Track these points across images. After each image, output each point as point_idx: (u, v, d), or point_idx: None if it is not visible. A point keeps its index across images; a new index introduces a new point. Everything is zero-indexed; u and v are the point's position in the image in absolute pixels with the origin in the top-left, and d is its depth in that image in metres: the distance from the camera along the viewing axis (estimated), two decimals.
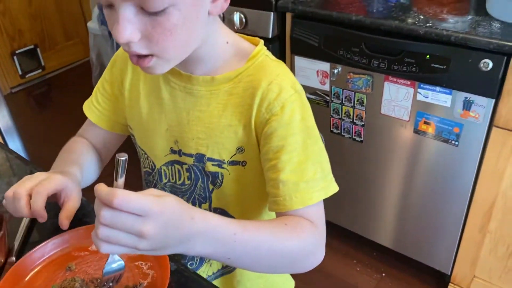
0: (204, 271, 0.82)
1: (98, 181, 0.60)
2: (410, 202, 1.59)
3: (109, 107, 0.84)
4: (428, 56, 1.31)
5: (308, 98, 1.59)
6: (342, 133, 1.63)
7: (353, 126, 1.59)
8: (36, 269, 0.62)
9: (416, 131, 1.45)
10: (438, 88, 1.34)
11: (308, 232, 0.64)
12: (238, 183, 0.75)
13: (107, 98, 0.84)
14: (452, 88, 1.31)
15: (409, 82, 1.39)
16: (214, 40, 0.69)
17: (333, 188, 0.68)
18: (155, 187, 0.82)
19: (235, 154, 0.72)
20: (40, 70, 3.46)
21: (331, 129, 1.64)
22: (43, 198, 0.65)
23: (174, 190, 0.80)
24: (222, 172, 0.74)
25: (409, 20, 1.31)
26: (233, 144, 0.71)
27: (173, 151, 0.77)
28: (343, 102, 1.56)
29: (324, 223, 0.67)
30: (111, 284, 0.56)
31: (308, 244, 0.63)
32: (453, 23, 1.28)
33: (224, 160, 0.73)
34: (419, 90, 1.38)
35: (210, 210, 0.77)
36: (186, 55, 0.65)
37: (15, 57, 3.30)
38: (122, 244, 0.48)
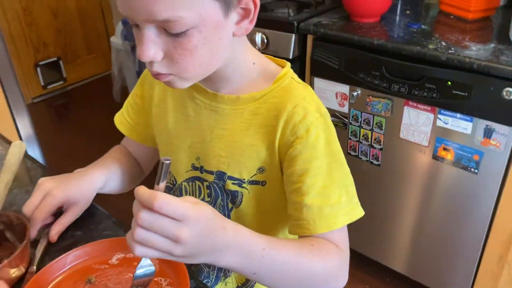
0: None
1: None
2: (426, 229, 1.57)
3: (140, 120, 0.86)
4: (449, 83, 1.30)
5: None
6: (360, 156, 1.62)
7: (371, 149, 1.58)
8: (57, 280, 0.63)
9: (435, 157, 1.44)
10: (458, 115, 1.33)
11: (333, 255, 0.64)
12: (257, 203, 0.75)
13: (138, 112, 0.86)
14: (473, 115, 1.30)
15: (429, 108, 1.38)
16: (240, 60, 0.70)
17: (358, 212, 0.68)
18: None
19: (255, 174, 0.72)
20: (61, 82, 3.53)
21: (349, 151, 1.63)
22: (37, 227, 0.70)
23: None
24: (242, 191, 0.74)
25: (431, 46, 1.32)
26: (254, 164, 0.72)
27: (194, 168, 0.77)
28: (362, 124, 1.56)
29: (348, 247, 0.67)
30: None
31: (333, 267, 0.63)
32: (476, 51, 1.28)
33: (244, 179, 0.73)
34: (439, 116, 1.37)
35: None
36: (207, 74, 0.66)
37: (38, 68, 3.37)
38: (157, 248, 0.48)
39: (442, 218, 1.51)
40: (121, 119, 0.88)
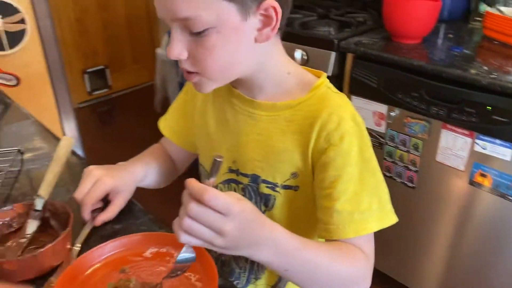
0: None
1: None
2: (460, 256, 1.53)
3: (182, 125, 0.91)
4: (489, 108, 1.29)
5: None
6: (394, 177, 1.61)
7: (406, 171, 1.57)
8: (93, 267, 0.67)
9: (472, 182, 1.41)
10: (498, 141, 1.31)
11: (360, 260, 0.65)
12: (289, 207, 0.77)
13: (181, 117, 0.91)
14: None
15: (467, 132, 1.37)
16: (272, 68, 0.73)
17: (391, 219, 0.69)
18: None
19: (288, 178, 0.74)
20: (106, 89, 3.67)
21: (383, 172, 1.63)
22: (87, 211, 0.76)
23: None
24: (275, 195, 0.76)
25: (472, 70, 1.31)
26: (288, 169, 0.74)
27: (231, 170, 0.80)
28: (398, 145, 1.56)
29: (373, 254, 0.68)
30: (178, 272, 0.60)
31: (359, 272, 0.65)
32: None
33: (277, 183, 0.75)
34: (477, 140, 1.35)
35: None
36: (231, 76, 0.71)
37: (85, 75, 3.53)
38: (201, 238, 0.53)
39: (477, 247, 1.48)
40: (165, 124, 0.93)
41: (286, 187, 0.75)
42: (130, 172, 0.83)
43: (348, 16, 1.79)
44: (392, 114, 1.52)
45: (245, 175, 0.78)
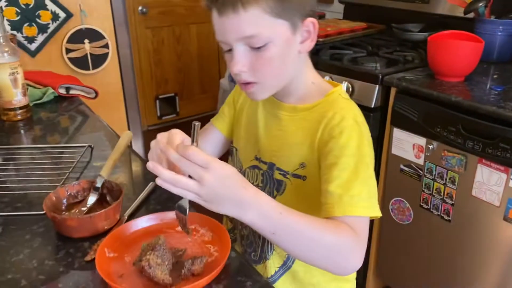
0: (261, 270, 0.95)
1: None
2: None
3: (229, 120, 1.07)
4: None
5: (402, 170, 1.68)
6: (431, 209, 1.65)
7: (443, 204, 1.61)
8: (135, 233, 0.81)
9: (506, 218, 1.43)
10: None
11: (346, 233, 0.72)
12: (297, 195, 0.88)
13: (227, 106, 1.07)
14: None
15: (502, 168, 1.40)
16: (302, 78, 0.89)
17: (377, 212, 0.77)
18: None
19: (298, 168, 0.87)
20: (174, 115, 3.97)
21: (421, 203, 1.67)
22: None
23: None
24: (286, 181, 0.89)
25: (508, 107, 1.36)
26: (297, 159, 0.87)
27: (256, 158, 0.96)
28: (435, 178, 1.60)
29: (366, 236, 0.75)
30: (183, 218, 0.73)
31: (344, 243, 0.71)
32: None
33: (288, 171, 0.89)
34: None
35: None
36: (280, 84, 0.85)
37: (157, 101, 3.84)
38: (183, 187, 0.65)
39: (510, 284, 1.47)
40: (217, 118, 1.09)
41: (295, 175, 0.88)
42: None
43: (396, 54, 1.90)
44: (430, 147, 1.58)
45: (265, 163, 0.93)
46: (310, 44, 0.83)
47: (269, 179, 0.93)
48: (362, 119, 0.85)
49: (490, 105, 1.38)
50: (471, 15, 1.82)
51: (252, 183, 0.89)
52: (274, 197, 0.89)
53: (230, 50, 0.81)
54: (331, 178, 0.78)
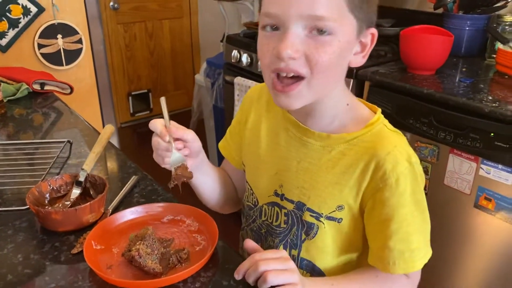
0: None
1: None
2: (468, 279, 1.59)
3: (236, 143, 0.94)
4: (492, 134, 1.38)
5: None
6: None
7: None
8: (121, 225, 0.82)
9: (477, 205, 1.49)
10: (500, 166, 1.39)
11: (399, 284, 0.73)
12: (330, 238, 0.78)
13: (235, 135, 0.94)
14: None
15: (472, 157, 1.45)
16: (337, 98, 0.76)
17: (430, 253, 0.76)
18: (253, 222, 0.89)
19: (334, 210, 0.76)
20: (148, 112, 3.93)
21: None
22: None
23: (270, 229, 0.85)
24: (318, 224, 0.78)
25: (477, 99, 1.41)
26: (335, 201, 0.76)
27: (276, 194, 0.82)
28: None
29: (418, 277, 0.77)
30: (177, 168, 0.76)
31: None
32: None
33: (322, 213, 0.77)
34: (481, 165, 1.44)
35: (298, 259, 0.82)
36: (324, 92, 0.72)
37: (130, 98, 3.80)
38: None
39: (485, 269, 1.53)
40: (222, 144, 0.97)
41: (330, 218, 0.77)
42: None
43: None
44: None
45: (291, 201, 0.80)
46: (361, 60, 0.72)
47: (297, 221, 0.80)
48: (415, 157, 0.74)
49: (460, 96, 1.44)
50: (440, 10, 1.88)
51: (271, 222, 0.85)
52: (302, 241, 0.81)
53: (276, 28, 0.67)
54: (389, 232, 0.72)
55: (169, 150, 0.75)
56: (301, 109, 0.74)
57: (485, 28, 1.81)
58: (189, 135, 0.78)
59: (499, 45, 1.70)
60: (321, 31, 0.65)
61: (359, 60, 0.72)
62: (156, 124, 0.76)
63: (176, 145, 0.75)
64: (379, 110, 0.78)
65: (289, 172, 0.80)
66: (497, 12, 1.80)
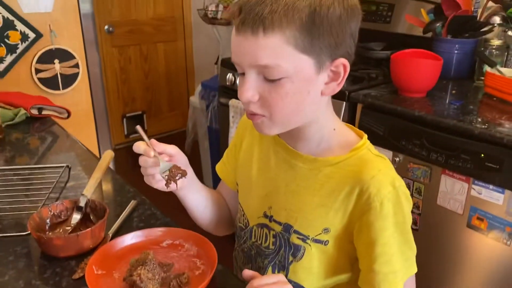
0: None
1: None
2: None
3: (231, 166, 0.96)
4: (482, 155, 1.41)
5: None
6: None
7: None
8: (121, 250, 0.83)
9: (470, 225, 1.51)
10: (491, 186, 1.42)
11: None
12: (317, 260, 0.80)
13: (231, 157, 0.96)
14: (505, 187, 1.38)
15: (464, 177, 1.48)
16: (323, 123, 0.78)
17: (414, 268, 0.78)
18: (244, 243, 0.91)
19: (320, 233, 0.78)
20: None
21: None
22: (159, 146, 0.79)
23: (259, 250, 0.86)
24: (305, 246, 0.79)
25: (467, 121, 1.45)
26: (321, 224, 0.77)
27: (265, 215, 0.84)
28: None
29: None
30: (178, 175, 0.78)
31: None
32: (509, 128, 1.39)
33: (309, 236, 0.78)
34: (473, 186, 1.46)
35: None
36: (293, 124, 0.75)
37: (124, 119, 3.82)
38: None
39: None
40: (221, 165, 0.99)
41: (316, 241, 0.78)
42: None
43: (361, 71, 1.99)
44: (397, 159, 1.66)
45: (278, 223, 0.82)
46: (335, 88, 0.73)
47: (285, 243, 0.81)
48: (398, 181, 0.75)
49: (451, 118, 1.47)
50: (429, 34, 1.93)
51: (260, 244, 0.86)
52: (289, 263, 0.82)
53: (243, 73, 0.72)
54: (374, 256, 0.74)
55: (157, 165, 0.77)
56: (288, 133, 0.78)
57: (473, 51, 1.87)
58: (173, 149, 0.80)
59: (487, 68, 1.75)
60: (271, 79, 0.69)
61: (332, 89, 0.73)
62: (139, 145, 0.78)
63: (162, 158, 0.78)
64: (365, 135, 0.80)
65: (277, 194, 0.82)
66: (484, 36, 1.86)
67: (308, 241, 0.78)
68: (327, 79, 0.72)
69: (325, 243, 0.78)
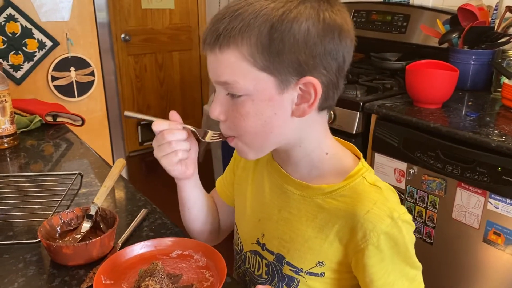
0: None
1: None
2: None
3: (228, 181, 0.95)
4: (499, 168, 1.39)
5: None
6: (414, 232, 1.69)
7: (424, 227, 1.65)
8: (130, 260, 0.82)
9: (486, 240, 1.48)
10: (508, 200, 1.39)
11: None
12: None
13: (229, 172, 0.95)
14: None
15: (480, 191, 1.46)
16: (310, 146, 0.73)
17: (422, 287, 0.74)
18: (239, 268, 0.90)
19: (314, 266, 0.74)
20: None
21: None
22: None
23: (252, 278, 0.84)
24: (299, 278, 0.75)
25: (484, 133, 1.42)
26: (314, 257, 0.73)
27: (258, 243, 0.81)
28: (417, 202, 1.65)
29: None
30: None
31: None
32: None
33: (302, 269, 0.74)
34: (489, 199, 1.44)
35: None
36: (267, 146, 0.72)
37: (139, 127, 3.85)
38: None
39: None
40: (220, 178, 0.97)
41: (311, 274, 0.74)
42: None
43: (375, 82, 1.97)
44: (411, 171, 1.64)
45: (271, 252, 0.78)
46: (306, 109, 0.67)
47: (278, 273, 0.78)
48: (397, 211, 0.69)
49: (467, 131, 1.45)
50: (445, 45, 1.91)
51: (253, 271, 0.83)
52: None
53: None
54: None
55: (184, 138, 0.77)
56: (277, 156, 0.77)
57: (490, 62, 1.84)
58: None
59: (504, 80, 1.72)
60: (233, 94, 0.67)
61: (302, 111, 0.68)
62: (162, 121, 0.78)
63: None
64: (362, 159, 0.75)
65: (270, 221, 0.79)
66: (501, 47, 1.83)
67: (302, 273, 0.75)
68: (297, 99, 0.67)
69: (321, 275, 0.74)
